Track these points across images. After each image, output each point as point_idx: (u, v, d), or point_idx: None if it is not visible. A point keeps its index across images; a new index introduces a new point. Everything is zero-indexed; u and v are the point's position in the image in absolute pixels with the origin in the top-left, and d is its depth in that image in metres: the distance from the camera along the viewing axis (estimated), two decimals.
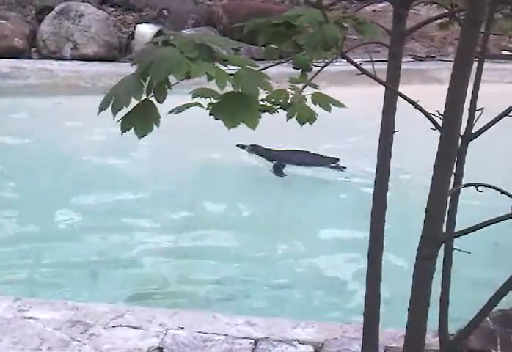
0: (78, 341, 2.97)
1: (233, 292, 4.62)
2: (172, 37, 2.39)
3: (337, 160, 7.02)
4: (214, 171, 6.82)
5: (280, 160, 7.02)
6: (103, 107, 2.34)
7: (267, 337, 3.05)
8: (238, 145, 7.03)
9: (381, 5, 11.81)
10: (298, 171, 6.88)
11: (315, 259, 5.17)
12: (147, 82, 2.31)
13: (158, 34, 10.53)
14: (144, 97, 2.32)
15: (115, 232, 5.41)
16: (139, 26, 10.88)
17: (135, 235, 5.41)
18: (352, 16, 2.72)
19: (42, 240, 5.27)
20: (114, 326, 3.06)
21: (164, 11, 11.29)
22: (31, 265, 4.88)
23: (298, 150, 7.12)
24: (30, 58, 10.33)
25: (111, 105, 2.31)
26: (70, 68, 9.80)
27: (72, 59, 10.29)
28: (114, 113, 2.29)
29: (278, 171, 6.91)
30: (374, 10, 11.58)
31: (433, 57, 11.16)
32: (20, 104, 8.52)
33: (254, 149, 7.09)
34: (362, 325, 2.72)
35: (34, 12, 11.63)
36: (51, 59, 10.23)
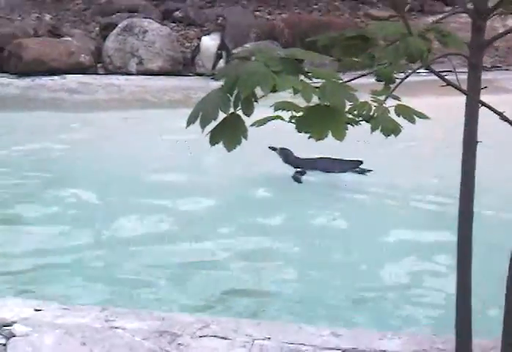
0: (166, 351, 3.02)
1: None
2: (255, 52, 2.44)
3: (361, 162, 7.04)
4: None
5: (305, 167, 7.12)
6: (191, 121, 2.39)
7: (354, 348, 3.05)
8: (269, 147, 7.15)
9: (440, 16, 11.73)
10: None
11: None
12: (233, 96, 2.36)
13: (221, 46, 10.68)
14: (231, 110, 2.37)
15: (195, 239, 5.50)
16: (203, 38, 11.00)
17: (214, 241, 5.50)
18: (436, 28, 2.73)
19: (124, 245, 5.38)
20: (200, 336, 3.09)
21: (220, 18, 11.36)
22: (114, 271, 4.99)
23: (322, 157, 7.12)
24: (96, 73, 10.53)
25: (199, 119, 2.37)
26: (136, 83, 9.99)
27: (138, 73, 10.47)
28: (203, 127, 2.35)
29: (298, 178, 7.00)
30: (434, 21, 11.51)
31: (499, 67, 11.07)
32: (89, 119, 8.70)
33: (283, 153, 7.17)
34: (449, 337, 2.70)
35: (97, 28, 11.88)
36: (117, 74, 10.43)
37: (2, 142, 7.74)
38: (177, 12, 12.52)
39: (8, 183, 6.61)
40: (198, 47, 11.00)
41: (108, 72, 10.65)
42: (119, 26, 11.14)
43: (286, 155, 7.17)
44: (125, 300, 4.56)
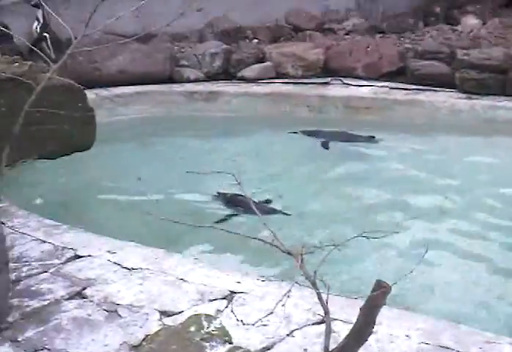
0: None
1: None
2: None
3: (373, 137, 8.78)
4: None
5: (327, 138, 8.87)
6: None
7: None
8: (290, 132, 9.06)
9: None
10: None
11: None
12: None
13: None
14: None
15: None
16: None
17: None
18: None
19: None
20: None
21: None
22: None
23: (342, 131, 9.05)
24: None
25: None
26: None
27: None
28: None
29: (325, 146, 8.71)
30: None
31: None
32: None
33: (306, 132, 9.07)
34: None
35: None
36: None
37: None
38: None
39: None
40: None
41: None
42: None
43: (311, 133, 8.99)
44: None
